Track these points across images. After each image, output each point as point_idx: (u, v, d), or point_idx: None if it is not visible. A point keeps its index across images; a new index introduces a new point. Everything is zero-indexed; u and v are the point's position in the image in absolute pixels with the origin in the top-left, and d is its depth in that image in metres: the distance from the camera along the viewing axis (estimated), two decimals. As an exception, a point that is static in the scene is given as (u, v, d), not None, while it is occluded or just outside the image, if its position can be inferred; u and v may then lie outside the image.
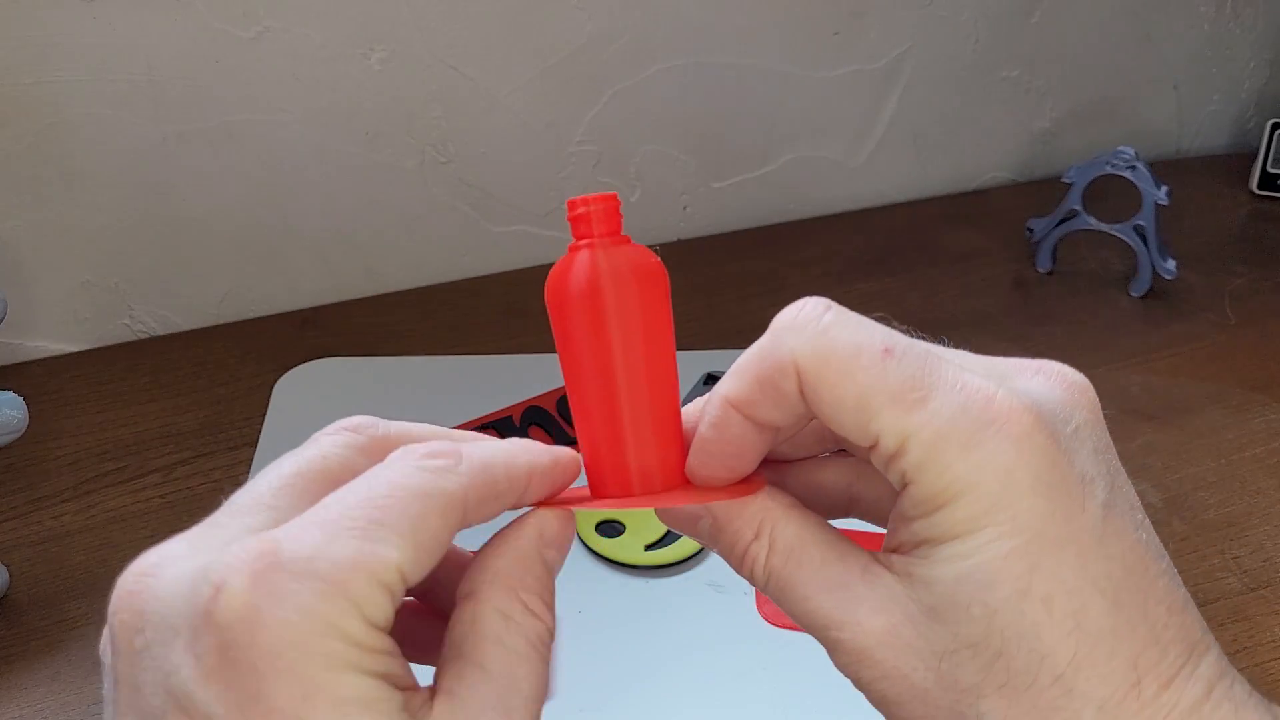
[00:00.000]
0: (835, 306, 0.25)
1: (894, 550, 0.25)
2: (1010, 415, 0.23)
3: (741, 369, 0.26)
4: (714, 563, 0.56)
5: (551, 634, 0.25)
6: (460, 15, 0.76)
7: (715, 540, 0.28)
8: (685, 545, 0.56)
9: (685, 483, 0.27)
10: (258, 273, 0.79)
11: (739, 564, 0.27)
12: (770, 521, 0.27)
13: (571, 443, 0.28)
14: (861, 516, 0.30)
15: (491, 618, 0.24)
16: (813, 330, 0.24)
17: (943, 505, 0.23)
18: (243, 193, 0.76)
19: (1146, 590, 0.24)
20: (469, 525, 0.24)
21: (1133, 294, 0.83)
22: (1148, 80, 1.05)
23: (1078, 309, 0.82)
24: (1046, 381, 0.25)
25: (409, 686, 0.23)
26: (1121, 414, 0.69)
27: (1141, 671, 0.23)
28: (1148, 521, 0.25)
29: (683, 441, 0.27)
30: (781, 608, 0.27)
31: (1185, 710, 0.23)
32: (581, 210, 0.26)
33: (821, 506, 0.29)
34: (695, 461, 0.27)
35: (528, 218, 0.86)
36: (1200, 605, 0.29)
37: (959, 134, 0.99)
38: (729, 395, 0.26)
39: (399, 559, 0.22)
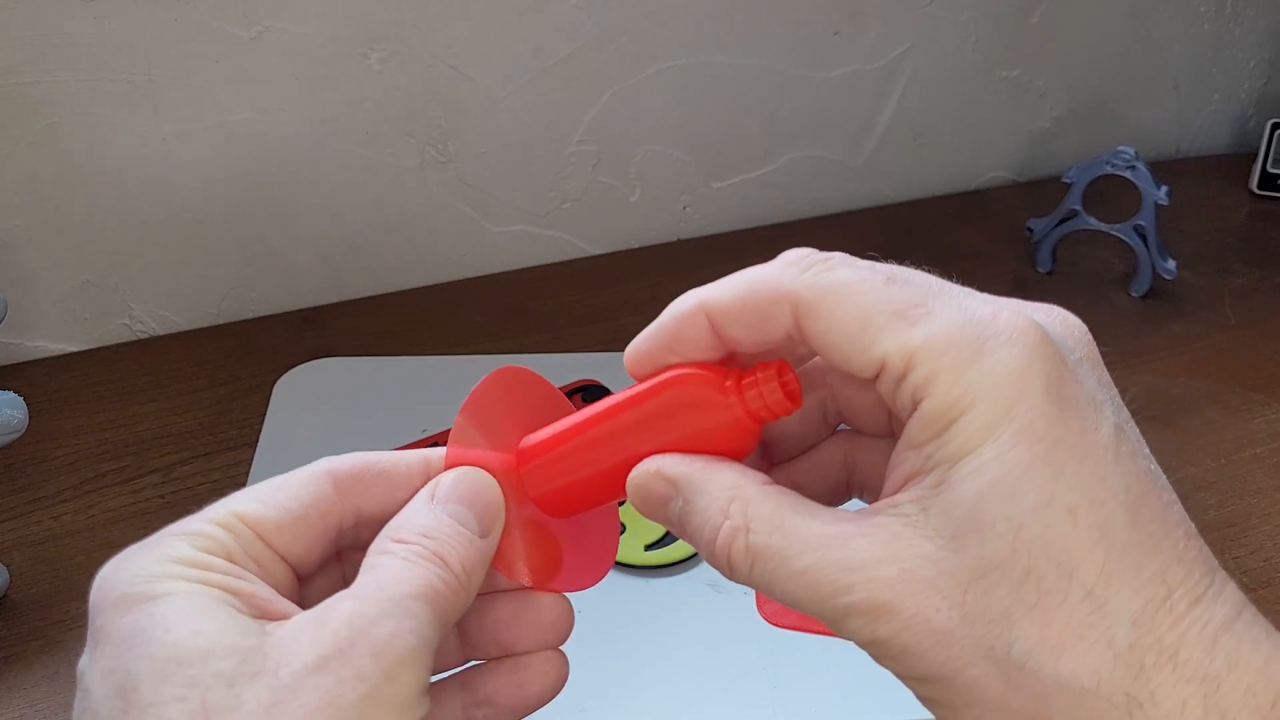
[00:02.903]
0: (841, 254, 0.25)
1: (901, 487, 0.24)
2: (1018, 328, 0.23)
3: (730, 283, 0.25)
4: (714, 563, 0.56)
5: (439, 556, 0.25)
6: (460, 15, 0.76)
7: (685, 528, 0.26)
8: (685, 545, 0.56)
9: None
10: (258, 273, 0.79)
11: (712, 554, 0.25)
12: (743, 499, 0.25)
13: None
14: (860, 492, 0.29)
15: (367, 559, 0.26)
16: (818, 269, 0.24)
17: (957, 416, 0.23)
18: (243, 193, 0.76)
19: (1163, 513, 0.23)
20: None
21: (1133, 294, 0.83)
22: (1148, 80, 1.05)
23: (1078, 309, 0.81)
24: (1047, 316, 0.25)
25: (268, 613, 0.24)
26: (1121, 414, 0.69)
27: (1171, 585, 0.22)
28: (1153, 457, 0.24)
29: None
30: (776, 596, 0.24)
31: (1218, 626, 0.22)
32: (765, 386, 0.26)
33: (819, 490, 0.29)
34: (640, 339, 0.26)
35: (528, 218, 0.86)
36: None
37: (959, 134, 0.99)
38: (706, 300, 0.25)
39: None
